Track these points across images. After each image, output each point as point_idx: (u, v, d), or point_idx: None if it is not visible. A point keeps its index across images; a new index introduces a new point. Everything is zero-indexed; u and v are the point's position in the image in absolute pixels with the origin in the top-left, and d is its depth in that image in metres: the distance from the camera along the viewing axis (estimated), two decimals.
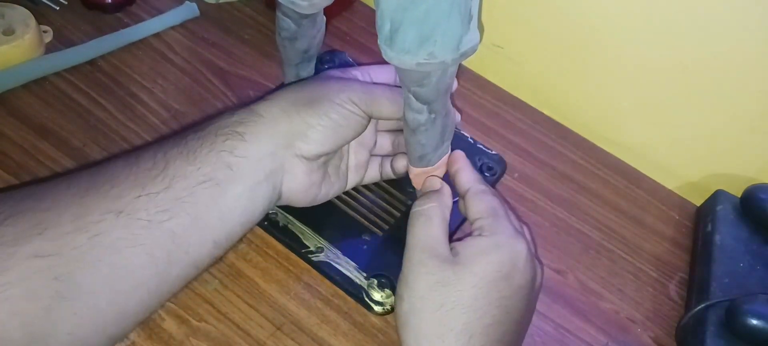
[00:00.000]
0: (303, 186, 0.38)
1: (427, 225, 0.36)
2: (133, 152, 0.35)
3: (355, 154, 0.43)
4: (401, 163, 0.43)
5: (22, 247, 0.28)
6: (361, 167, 0.44)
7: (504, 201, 0.39)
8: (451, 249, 0.35)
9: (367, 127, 0.40)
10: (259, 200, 0.36)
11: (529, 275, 0.36)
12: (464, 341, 0.33)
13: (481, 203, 0.38)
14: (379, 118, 0.40)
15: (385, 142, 0.44)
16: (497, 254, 0.35)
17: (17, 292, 0.28)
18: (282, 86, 0.48)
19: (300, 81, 0.41)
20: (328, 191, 0.41)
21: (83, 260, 0.30)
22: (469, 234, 0.37)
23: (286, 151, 0.37)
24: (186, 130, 0.36)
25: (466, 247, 0.35)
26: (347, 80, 0.40)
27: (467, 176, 0.39)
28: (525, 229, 0.40)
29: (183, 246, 0.33)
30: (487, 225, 0.36)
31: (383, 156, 0.45)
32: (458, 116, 0.45)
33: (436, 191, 0.38)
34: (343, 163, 0.42)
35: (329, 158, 0.40)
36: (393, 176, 0.44)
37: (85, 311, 0.30)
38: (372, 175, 0.45)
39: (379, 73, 0.43)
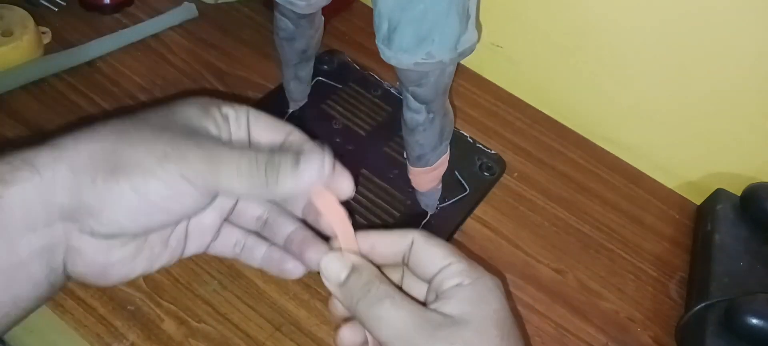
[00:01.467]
0: (98, 268, 0.27)
1: (395, 304, 0.27)
2: None
3: (198, 217, 0.30)
4: (313, 255, 0.30)
5: None
6: (208, 231, 0.31)
7: None
8: (433, 312, 0.28)
9: (209, 205, 0.28)
10: (24, 284, 0.26)
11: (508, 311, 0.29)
12: None
13: (440, 246, 0.29)
14: (229, 194, 0.30)
15: (251, 209, 0.32)
16: (495, 295, 0.28)
17: None
18: (281, 88, 0.48)
19: (111, 125, 0.27)
20: (149, 265, 0.29)
21: None
22: (440, 289, 0.29)
23: (68, 224, 0.26)
24: None
25: (459, 302, 0.28)
26: (187, 135, 0.26)
27: (394, 235, 0.30)
28: None
29: None
30: (464, 269, 0.29)
31: (275, 245, 0.32)
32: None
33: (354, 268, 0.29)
34: (174, 232, 0.30)
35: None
36: (293, 275, 0.31)
37: None
38: (228, 245, 0.32)
39: (263, 126, 0.30)
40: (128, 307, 0.37)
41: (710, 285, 0.44)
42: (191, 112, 0.28)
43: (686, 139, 0.54)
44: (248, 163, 0.26)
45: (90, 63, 0.50)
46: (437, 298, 0.29)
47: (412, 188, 0.42)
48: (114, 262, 0.28)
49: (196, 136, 0.27)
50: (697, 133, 0.54)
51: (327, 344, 0.39)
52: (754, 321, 0.40)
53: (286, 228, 0.32)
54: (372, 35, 0.61)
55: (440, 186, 0.43)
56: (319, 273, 0.36)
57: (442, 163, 0.40)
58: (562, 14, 0.54)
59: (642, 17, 0.50)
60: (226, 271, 0.40)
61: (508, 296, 0.34)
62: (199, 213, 0.28)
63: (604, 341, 0.43)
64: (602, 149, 0.57)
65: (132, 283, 0.38)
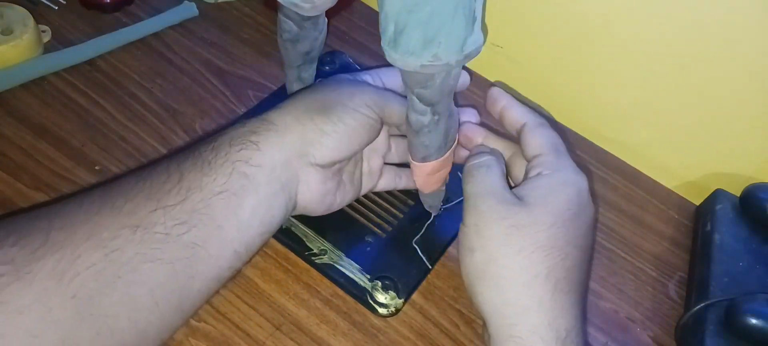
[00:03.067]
0: (318, 195, 0.37)
1: (489, 173, 0.35)
2: (145, 167, 0.34)
3: (368, 161, 0.42)
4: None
5: (37, 266, 0.27)
6: (375, 174, 0.43)
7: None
8: (516, 192, 0.34)
9: (380, 131, 0.39)
10: (276, 210, 0.35)
11: (593, 211, 0.35)
12: (551, 287, 0.31)
13: (541, 137, 0.36)
14: (390, 123, 0.39)
15: (399, 148, 0.43)
16: (566, 191, 0.33)
17: (35, 314, 0.27)
18: (283, 89, 0.48)
19: (311, 86, 0.40)
20: (343, 199, 0.40)
21: (100, 278, 0.29)
22: (527, 176, 0.35)
23: (300, 160, 0.36)
24: (198, 142, 0.35)
25: (532, 189, 0.34)
26: (359, 84, 0.39)
27: (517, 110, 0.38)
28: None
29: (203, 258, 0.32)
30: (549, 162, 0.35)
31: (398, 165, 0.44)
32: (468, 78, 0.43)
33: (490, 150, 0.38)
34: (357, 170, 0.41)
35: (343, 165, 0.39)
36: (411, 188, 0.44)
37: (105, 330, 0.29)
38: (385, 183, 0.44)
39: (390, 78, 0.42)
40: None
41: (710, 285, 0.44)
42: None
43: (686, 140, 0.55)
44: (402, 98, 0.38)
45: (90, 62, 0.50)
46: (524, 181, 0.35)
47: (416, 188, 0.42)
48: (328, 190, 0.38)
49: (366, 84, 0.40)
50: (697, 134, 0.54)
51: (327, 343, 0.39)
52: (754, 321, 0.40)
53: None
54: (373, 35, 0.61)
55: (445, 187, 0.43)
56: (321, 272, 0.39)
57: (449, 159, 0.40)
58: (562, 14, 0.54)
59: (642, 17, 0.50)
60: None
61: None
62: (372, 143, 0.39)
63: (603, 341, 0.43)
64: (602, 149, 0.57)
65: None
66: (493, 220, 0.33)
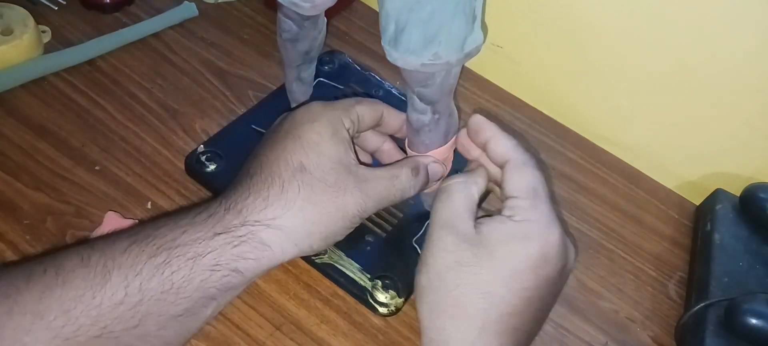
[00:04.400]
0: None
1: (447, 201, 0.34)
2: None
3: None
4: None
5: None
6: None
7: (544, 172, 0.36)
8: (477, 226, 0.33)
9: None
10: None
11: (559, 265, 0.33)
12: (477, 326, 0.31)
13: (521, 178, 0.34)
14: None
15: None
16: (526, 244, 0.32)
17: None
18: (283, 88, 0.47)
19: (313, 194, 0.34)
20: None
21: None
22: (500, 211, 0.34)
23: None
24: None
25: (492, 230, 0.33)
26: (366, 192, 0.35)
27: (502, 145, 0.35)
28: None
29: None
30: (522, 207, 0.33)
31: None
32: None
33: (469, 170, 0.37)
34: None
35: None
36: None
37: None
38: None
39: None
40: None
41: (710, 285, 0.44)
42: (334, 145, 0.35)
43: (685, 139, 0.55)
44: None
45: (90, 62, 0.50)
46: (492, 217, 0.34)
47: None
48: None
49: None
50: (697, 133, 0.54)
51: (327, 343, 0.39)
52: (754, 321, 0.40)
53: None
54: (373, 35, 0.61)
55: None
56: (321, 272, 0.39)
57: (447, 163, 0.40)
58: (562, 15, 0.54)
59: (642, 17, 0.50)
60: None
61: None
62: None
63: (603, 341, 0.43)
64: (602, 149, 0.57)
65: None
66: (439, 250, 0.33)
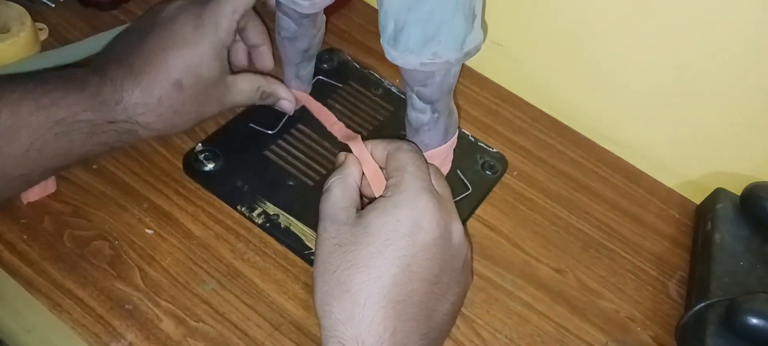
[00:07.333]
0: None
1: (327, 197, 0.36)
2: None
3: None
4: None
5: None
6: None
7: (423, 157, 0.37)
8: (358, 212, 0.35)
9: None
10: None
11: (435, 233, 0.34)
12: (360, 302, 0.32)
13: (393, 161, 0.36)
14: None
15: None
16: (395, 212, 0.34)
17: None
18: None
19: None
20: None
21: None
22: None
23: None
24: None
25: (368, 210, 0.35)
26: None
27: (381, 146, 0.38)
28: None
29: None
30: (392, 185, 0.35)
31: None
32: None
33: (341, 164, 0.38)
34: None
35: None
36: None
37: None
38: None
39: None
40: (126, 306, 0.37)
41: (710, 285, 0.44)
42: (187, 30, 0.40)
43: (686, 139, 0.54)
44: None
45: (87, 60, 0.50)
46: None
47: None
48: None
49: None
50: (697, 133, 0.54)
51: None
52: (755, 321, 0.40)
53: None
54: (372, 33, 0.60)
55: None
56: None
57: (447, 162, 0.40)
58: (562, 13, 0.54)
59: (642, 16, 0.50)
60: (224, 270, 0.40)
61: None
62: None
63: (604, 341, 0.43)
64: (602, 148, 0.57)
65: (130, 282, 0.38)
66: (323, 240, 0.35)
